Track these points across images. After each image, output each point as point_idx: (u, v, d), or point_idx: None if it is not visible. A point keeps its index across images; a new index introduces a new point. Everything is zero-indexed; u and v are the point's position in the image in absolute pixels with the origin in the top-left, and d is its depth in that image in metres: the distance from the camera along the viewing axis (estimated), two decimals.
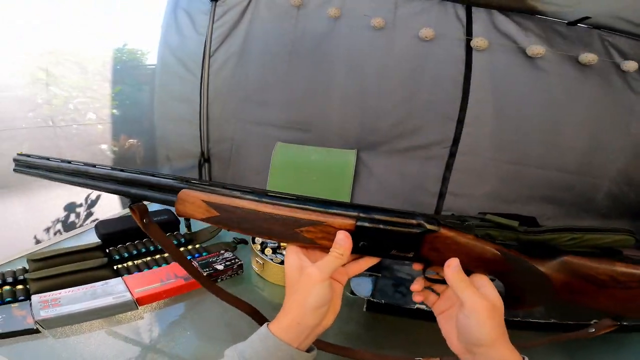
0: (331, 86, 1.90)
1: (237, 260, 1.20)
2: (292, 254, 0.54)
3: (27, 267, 1.01)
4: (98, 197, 1.92)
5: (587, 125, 1.68)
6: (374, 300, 1.05)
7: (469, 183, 1.87)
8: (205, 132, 2.15)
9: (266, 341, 0.51)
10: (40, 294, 0.89)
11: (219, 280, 1.16)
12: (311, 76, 1.92)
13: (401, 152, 1.90)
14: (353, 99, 1.88)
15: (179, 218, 1.42)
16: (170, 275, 1.08)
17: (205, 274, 1.11)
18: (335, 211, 0.53)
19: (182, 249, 1.26)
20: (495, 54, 1.70)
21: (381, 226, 0.52)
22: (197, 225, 1.46)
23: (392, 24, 1.73)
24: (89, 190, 1.84)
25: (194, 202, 0.55)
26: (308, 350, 0.53)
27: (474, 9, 1.69)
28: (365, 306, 1.09)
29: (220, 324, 0.99)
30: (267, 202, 0.54)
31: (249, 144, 2.13)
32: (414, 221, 0.52)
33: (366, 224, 0.52)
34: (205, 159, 2.19)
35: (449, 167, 1.88)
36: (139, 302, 0.97)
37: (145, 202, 0.64)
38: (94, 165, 0.64)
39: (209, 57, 2.02)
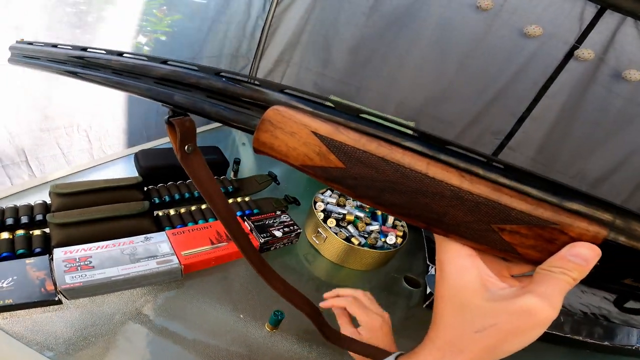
0: (407, 53, 1.74)
1: (295, 227, 0.95)
2: (465, 257, 0.28)
3: (49, 202, 0.73)
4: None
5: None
6: None
7: None
8: (255, 71, 1.97)
9: None
10: (64, 248, 0.62)
11: (271, 249, 0.91)
12: (387, 37, 1.74)
13: (455, 134, 1.80)
14: (427, 71, 1.73)
15: (227, 160, 1.13)
16: (221, 236, 0.83)
17: (262, 240, 0.86)
18: (577, 208, 0.25)
19: (229, 200, 0.99)
20: (591, 68, 1.49)
21: None
22: (244, 172, 1.18)
23: (500, 9, 1.51)
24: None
25: (297, 131, 0.28)
26: None
27: (606, 14, 1.41)
28: (426, 303, 0.94)
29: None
30: (453, 164, 0.26)
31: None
32: None
33: (622, 239, 0.26)
34: None
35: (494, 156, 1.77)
36: (184, 269, 0.72)
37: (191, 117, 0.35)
38: (121, 54, 0.37)
39: None
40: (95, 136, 1.32)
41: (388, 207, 0.27)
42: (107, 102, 1.31)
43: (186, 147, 0.35)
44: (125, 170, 0.98)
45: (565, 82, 1.54)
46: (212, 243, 0.79)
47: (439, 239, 0.30)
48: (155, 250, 0.70)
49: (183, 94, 0.33)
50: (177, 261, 0.70)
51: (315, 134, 0.27)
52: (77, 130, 1.25)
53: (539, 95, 1.58)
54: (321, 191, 1.12)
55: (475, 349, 0.27)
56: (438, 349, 0.29)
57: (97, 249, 0.65)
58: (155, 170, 0.93)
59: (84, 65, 0.39)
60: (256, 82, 0.31)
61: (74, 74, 0.40)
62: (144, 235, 0.72)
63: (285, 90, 0.30)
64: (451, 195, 0.25)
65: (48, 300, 0.56)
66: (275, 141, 0.28)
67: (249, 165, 1.24)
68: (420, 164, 0.25)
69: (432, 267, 1.01)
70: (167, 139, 1.29)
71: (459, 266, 0.28)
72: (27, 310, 0.56)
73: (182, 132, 0.34)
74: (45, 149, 1.18)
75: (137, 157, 0.96)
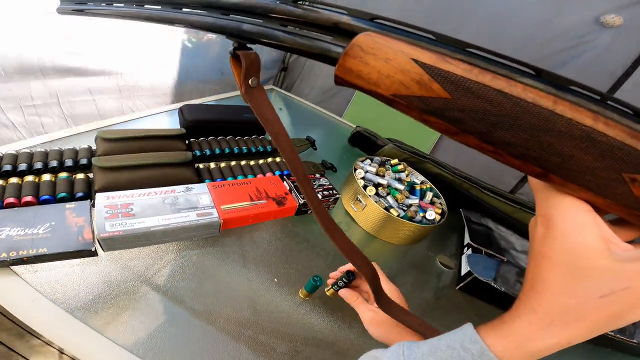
0: (461, 32, 1.57)
1: (334, 191, 0.91)
2: (585, 212, 0.24)
3: (94, 148, 0.71)
4: None
5: None
6: (495, 286, 0.82)
7: None
8: None
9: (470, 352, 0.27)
10: (107, 193, 0.60)
11: (308, 212, 0.88)
12: (432, 16, 1.62)
13: None
14: None
15: None
16: (260, 193, 0.80)
17: (301, 201, 0.83)
18: None
19: (266, 159, 0.95)
20: None
21: None
22: None
23: None
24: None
25: (393, 58, 0.24)
26: None
27: None
28: (459, 285, 0.88)
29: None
30: (583, 106, 0.21)
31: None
32: None
33: None
34: (284, 67, 2.06)
35: None
36: (223, 224, 0.70)
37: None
38: None
39: None
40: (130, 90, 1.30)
41: (500, 147, 0.23)
42: (143, 57, 1.26)
43: (250, 81, 0.33)
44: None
45: (638, 81, 1.38)
46: (252, 199, 0.77)
47: (545, 191, 0.25)
48: (196, 201, 0.68)
49: (253, 23, 0.30)
50: (217, 215, 0.68)
51: (417, 61, 0.23)
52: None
53: (613, 89, 1.43)
54: (361, 159, 1.07)
55: (598, 316, 0.23)
56: (542, 318, 0.25)
57: (139, 196, 0.63)
58: (199, 123, 0.91)
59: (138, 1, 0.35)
60: (343, 10, 0.26)
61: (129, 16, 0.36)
62: (185, 186, 0.70)
63: (377, 20, 0.26)
64: (582, 135, 0.21)
65: (84, 251, 0.54)
66: (364, 68, 0.25)
67: (287, 129, 1.20)
68: (545, 101, 0.21)
69: (468, 249, 0.95)
70: (205, 99, 1.26)
71: (577, 223, 0.24)
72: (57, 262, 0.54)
73: (247, 63, 0.32)
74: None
75: (182, 110, 0.94)
